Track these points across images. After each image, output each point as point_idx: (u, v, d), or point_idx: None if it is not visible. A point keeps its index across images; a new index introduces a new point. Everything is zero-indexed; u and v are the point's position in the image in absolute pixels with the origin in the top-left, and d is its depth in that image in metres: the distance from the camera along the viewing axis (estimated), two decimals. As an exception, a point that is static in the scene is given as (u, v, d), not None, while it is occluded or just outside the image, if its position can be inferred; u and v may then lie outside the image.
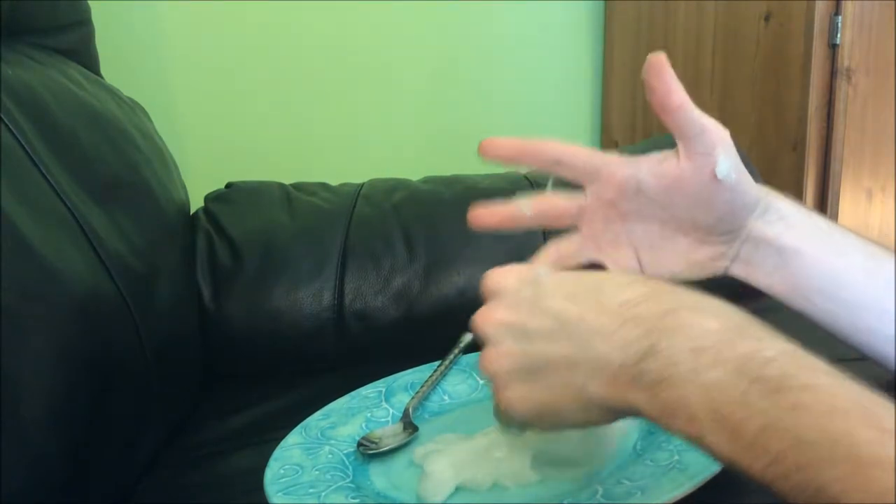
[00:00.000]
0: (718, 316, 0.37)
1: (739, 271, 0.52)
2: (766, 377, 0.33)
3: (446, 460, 0.53)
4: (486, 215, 0.55)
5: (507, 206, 0.55)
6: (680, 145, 0.50)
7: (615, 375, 0.38)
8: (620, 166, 0.52)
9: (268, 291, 0.89)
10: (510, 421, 0.46)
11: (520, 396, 0.43)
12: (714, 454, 0.35)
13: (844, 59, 1.19)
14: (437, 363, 0.71)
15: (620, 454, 0.53)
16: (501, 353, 0.43)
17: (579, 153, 0.53)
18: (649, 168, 0.51)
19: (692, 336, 0.36)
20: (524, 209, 0.55)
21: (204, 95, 1.48)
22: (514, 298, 0.44)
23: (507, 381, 0.43)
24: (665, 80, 0.48)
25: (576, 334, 0.40)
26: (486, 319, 0.45)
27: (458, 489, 0.53)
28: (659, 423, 0.37)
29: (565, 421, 0.43)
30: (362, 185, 1.02)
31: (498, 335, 0.44)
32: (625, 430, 0.54)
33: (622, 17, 1.64)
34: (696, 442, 0.35)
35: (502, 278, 0.45)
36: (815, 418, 0.31)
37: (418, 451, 0.58)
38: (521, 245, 0.91)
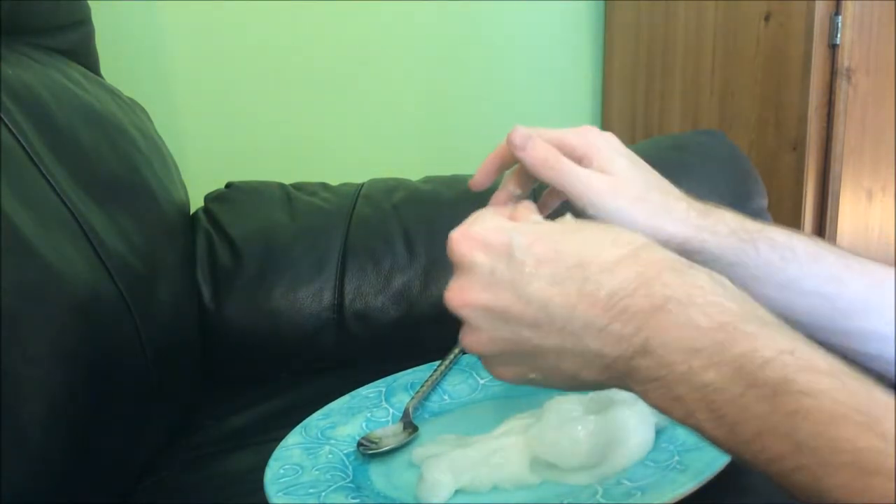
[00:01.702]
0: (711, 309, 0.36)
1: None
2: (763, 381, 0.32)
3: (445, 465, 0.52)
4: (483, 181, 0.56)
5: (499, 198, 0.56)
6: None
7: (609, 366, 0.38)
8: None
9: (268, 291, 0.89)
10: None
11: (511, 374, 0.43)
12: (715, 445, 0.35)
13: (844, 59, 1.18)
14: (437, 363, 0.71)
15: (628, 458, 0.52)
16: (484, 339, 0.41)
17: (541, 132, 0.53)
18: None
19: (684, 336, 0.35)
20: (515, 191, 0.55)
21: (204, 95, 1.48)
22: (489, 278, 0.41)
23: (495, 362, 0.43)
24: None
25: (565, 327, 0.39)
26: (462, 301, 0.41)
27: (456, 492, 0.53)
28: (657, 410, 0.37)
29: (561, 385, 0.42)
30: (362, 185, 1.02)
31: (477, 319, 0.41)
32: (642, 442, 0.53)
33: (622, 18, 1.64)
34: (697, 432, 0.35)
35: (469, 251, 0.41)
36: (815, 425, 0.30)
37: (417, 451, 0.58)
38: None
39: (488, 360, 0.43)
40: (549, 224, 0.44)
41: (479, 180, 0.56)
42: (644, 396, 0.37)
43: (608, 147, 0.53)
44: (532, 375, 0.42)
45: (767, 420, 0.32)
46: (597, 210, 0.50)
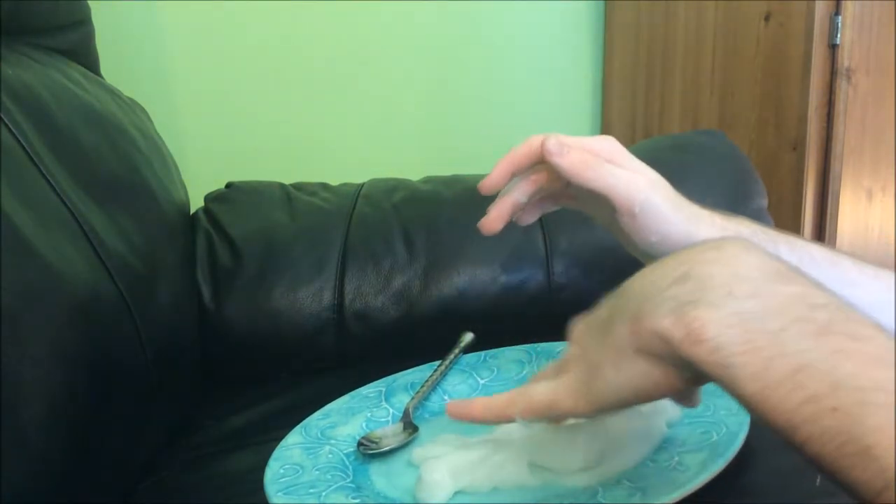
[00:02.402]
0: (767, 256, 0.35)
1: None
2: (811, 319, 0.32)
3: (444, 466, 0.52)
4: (495, 223, 0.57)
5: (504, 204, 0.57)
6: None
7: (639, 309, 0.37)
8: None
9: (268, 291, 0.89)
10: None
11: (575, 375, 0.43)
12: (735, 388, 0.32)
13: (844, 59, 1.19)
14: (437, 363, 0.71)
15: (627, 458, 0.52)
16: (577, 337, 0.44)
17: (562, 139, 0.55)
18: None
19: (735, 266, 0.35)
20: (520, 198, 0.57)
21: (204, 95, 1.48)
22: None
23: (572, 362, 0.43)
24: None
25: (625, 290, 0.40)
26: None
27: (456, 493, 0.53)
28: (679, 349, 0.34)
29: (607, 386, 0.40)
30: (362, 185, 1.02)
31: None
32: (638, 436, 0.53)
33: (622, 18, 1.64)
34: (717, 372, 0.33)
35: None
36: (859, 365, 0.30)
37: (416, 451, 0.58)
38: (521, 244, 0.92)
39: (572, 357, 0.44)
40: None
41: (491, 184, 0.57)
42: (669, 331, 0.35)
43: (632, 156, 0.55)
44: (591, 359, 0.41)
45: (808, 356, 0.31)
46: (642, 206, 0.52)
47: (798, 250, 0.52)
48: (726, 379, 0.33)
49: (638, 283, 0.39)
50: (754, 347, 0.32)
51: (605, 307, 0.42)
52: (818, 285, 0.34)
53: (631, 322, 0.37)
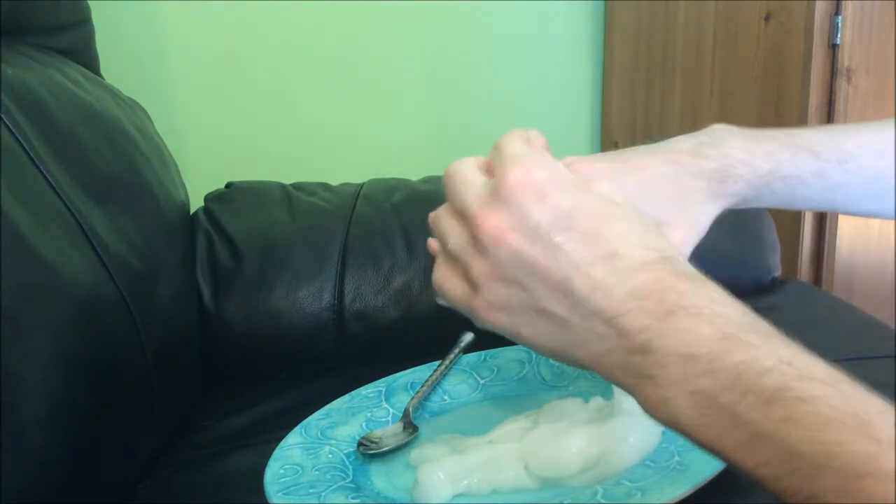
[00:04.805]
0: (717, 320, 0.36)
1: None
2: (760, 388, 0.33)
3: (441, 470, 0.52)
4: None
5: None
6: None
7: (604, 355, 0.39)
8: None
9: (268, 291, 0.89)
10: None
11: (503, 322, 0.42)
12: (696, 445, 0.35)
13: (844, 59, 1.18)
14: (437, 363, 0.71)
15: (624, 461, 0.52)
16: (500, 275, 0.41)
17: None
18: None
19: (687, 342, 0.36)
20: None
21: (204, 95, 1.48)
22: (532, 228, 0.40)
23: (494, 304, 0.42)
24: None
25: (579, 304, 0.39)
26: (499, 237, 0.41)
27: (455, 496, 0.53)
28: (643, 408, 0.37)
29: (523, 343, 0.42)
30: (362, 185, 1.02)
31: (504, 257, 0.41)
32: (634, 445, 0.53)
33: (622, 17, 1.64)
34: (680, 433, 0.36)
35: (525, 198, 0.40)
36: (809, 431, 0.31)
37: (414, 452, 0.58)
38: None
39: (488, 301, 0.42)
40: (601, 197, 0.43)
41: None
42: (633, 390, 0.38)
43: None
44: (523, 332, 0.41)
45: (760, 426, 0.32)
46: None
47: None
48: (688, 439, 0.35)
49: (599, 323, 0.39)
50: (708, 422, 0.34)
51: (541, 290, 0.40)
52: (767, 342, 0.35)
53: (592, 359, 0.39)
